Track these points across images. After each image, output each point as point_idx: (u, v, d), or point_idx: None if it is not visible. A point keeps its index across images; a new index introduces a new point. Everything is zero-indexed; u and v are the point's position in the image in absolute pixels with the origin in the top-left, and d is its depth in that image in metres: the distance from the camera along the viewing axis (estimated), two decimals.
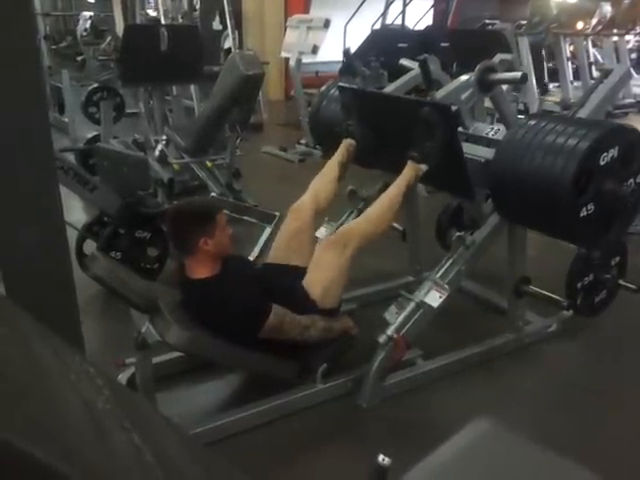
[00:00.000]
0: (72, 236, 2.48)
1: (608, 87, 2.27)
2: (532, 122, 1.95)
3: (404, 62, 2.71)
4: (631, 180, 1.89)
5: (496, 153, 2.01)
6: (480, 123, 2.39)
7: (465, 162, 1.97)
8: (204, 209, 1.84)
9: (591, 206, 1.81)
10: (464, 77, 2.34)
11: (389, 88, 2.57)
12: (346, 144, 2.25)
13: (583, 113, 2.20)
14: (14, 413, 0.37)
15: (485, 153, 2.13)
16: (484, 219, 2.17)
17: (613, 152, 1.78)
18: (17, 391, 0.41)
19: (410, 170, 2.00)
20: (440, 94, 2.31)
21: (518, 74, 2.23)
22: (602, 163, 1.77)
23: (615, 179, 1.82)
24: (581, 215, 1.80)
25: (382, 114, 2.20)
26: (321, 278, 1.91)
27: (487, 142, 2.24)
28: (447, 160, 1.95)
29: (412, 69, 2.60)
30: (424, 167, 1.99)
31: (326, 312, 1.92)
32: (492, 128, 2.32)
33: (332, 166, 2.24)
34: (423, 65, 2.33)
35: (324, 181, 2.22)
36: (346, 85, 2.41)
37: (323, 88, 2.81)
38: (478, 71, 2.27)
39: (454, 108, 1.93)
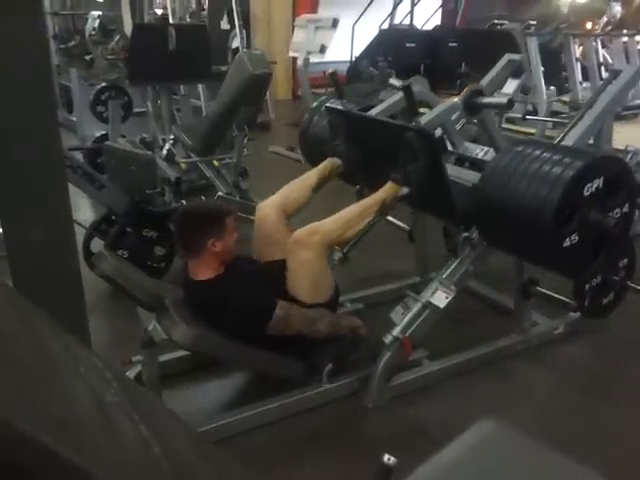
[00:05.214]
0: (80, 234, 2.50)
1: (617, 88, 2.25)
2: (519, 147, 1.91)
3: (393, 82, 2.67)
4: (617, 210, 1.84)
5: (481, 178, 1.96)
6: (470, 144, 2.35)
7: (450, 187, 1.92)
8: (215, 210, 1.84)
9: (575, 236, 1.76)
10: (451, 100, 2.31)
11: (375, 110, 2.54)
12: (331, 161, 2.24)
13: (591, 115, 2.19)
14: (27, 404, 0.38)
15: (472, 177, 2.09)
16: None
17: (598, 182, 1.74)
18: (29, 383, 0.41)
19: (389, 189, 1.95)
20: (426, 117, 2.27)
21: (504, 100, 2.18)
22: (586, 193, 1.73)
23: (600, 209, 1.78)
24: (564, 245, 1.75)
25: (368, 136, 2.19)
26: (302, 281, 1.88)
27: (477, 163, 2.19)
28: (431, 184, 1.91)
29: (399, 90, 2.54)
30: (405, 190, 1.94)
31: (324, 305, 1.91)
32: (482, 149, 2.29)
33: (311, 175, 2.22)
34: (406, 91, 2.29)
35: (298, 186, 2.20)
36: (333, 106, 2.42)
37: (314, 104, 2.82)
38: (465, 94, 2.24)
39: (437, 134, 1.88)
